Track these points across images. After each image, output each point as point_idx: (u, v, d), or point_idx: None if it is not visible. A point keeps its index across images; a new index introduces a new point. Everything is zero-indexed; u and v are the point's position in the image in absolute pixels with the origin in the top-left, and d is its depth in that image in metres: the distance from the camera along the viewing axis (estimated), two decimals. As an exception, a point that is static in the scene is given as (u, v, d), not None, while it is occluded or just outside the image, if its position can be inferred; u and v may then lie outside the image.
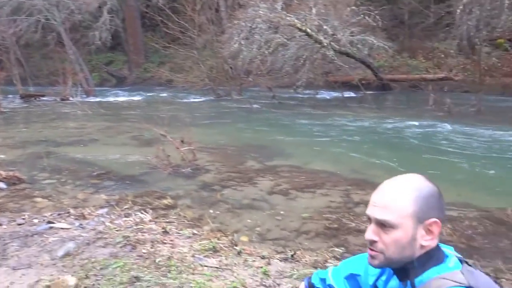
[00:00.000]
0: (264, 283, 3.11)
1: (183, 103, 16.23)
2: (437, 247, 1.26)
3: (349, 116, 12.05)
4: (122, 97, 19.04)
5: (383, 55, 17.89)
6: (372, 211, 1.28)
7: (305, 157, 7.67)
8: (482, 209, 4.88)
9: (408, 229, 1.22)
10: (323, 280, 1.73)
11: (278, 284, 3.10)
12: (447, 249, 1.30)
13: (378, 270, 1.58)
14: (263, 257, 3.60)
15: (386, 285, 1.51)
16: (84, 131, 10.77)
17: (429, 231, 1.23)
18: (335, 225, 4.57)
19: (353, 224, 4.54)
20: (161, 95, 16.85)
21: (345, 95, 15.48)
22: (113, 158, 7.64)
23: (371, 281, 1.60)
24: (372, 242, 1.27)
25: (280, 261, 3.57)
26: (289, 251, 3.75)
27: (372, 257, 1.29)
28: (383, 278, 1.56)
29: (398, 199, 1.23)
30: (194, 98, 17.02)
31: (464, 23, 13.89)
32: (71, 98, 17.52)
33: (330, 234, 4.38)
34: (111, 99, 18.78)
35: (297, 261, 3.56)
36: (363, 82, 15.45)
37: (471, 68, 15.74)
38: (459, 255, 1.28)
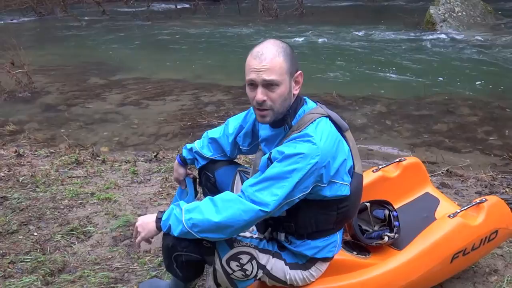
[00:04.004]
0: (135, 180, 3.37)
1: (-1, 25, 14.18)
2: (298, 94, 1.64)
3: (185, 26, 12.10)
4: None
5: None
6: (258, 75, 1.50)
7: (149, 68, 7.71)
8: (315, 95, 5.69)
9: (287, 83, 1.53)
10: (190, 150, 2.06)
11: (149, 179, 3.38)
12: None
13: (234, 129, 1.97)
14: (128, 162, 3.81)
15: (246, 143, 1.93)
16: None
17: (296, 82, 1.60)
18: (190, 124, 4.94)
19: (206, 121, 4.96)
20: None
21: (179, 6, 15.28)
22: None
23: (230, 139, 1.99)
24: (262, 102, 1.53)
25: (145, 162, 3.82)
26: (151, 153, 4.00)
27: (262, 116, 1.58)
28: (241, 134, 1.96)
29: (276, 61, 1.50)
30: (13, 20, 14.97)
31: None
32: None
33: (186, 132, 4.74)
34: None
35: (160, 160, 3.85)
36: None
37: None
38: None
